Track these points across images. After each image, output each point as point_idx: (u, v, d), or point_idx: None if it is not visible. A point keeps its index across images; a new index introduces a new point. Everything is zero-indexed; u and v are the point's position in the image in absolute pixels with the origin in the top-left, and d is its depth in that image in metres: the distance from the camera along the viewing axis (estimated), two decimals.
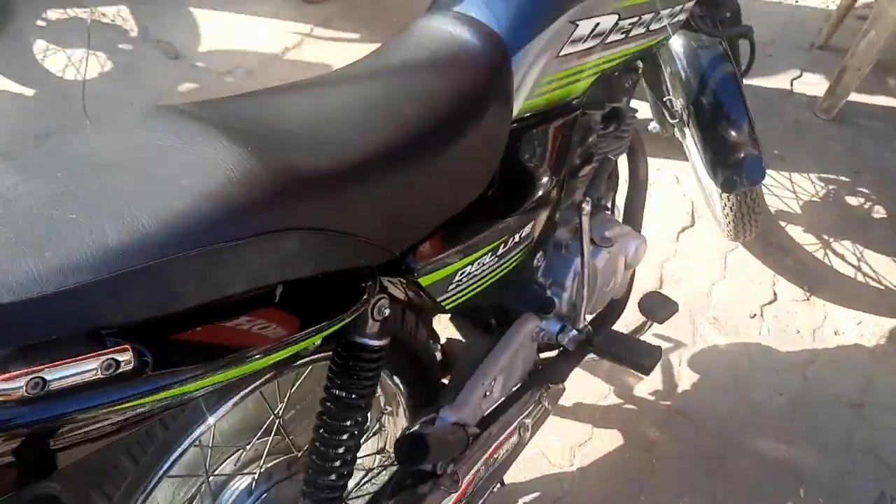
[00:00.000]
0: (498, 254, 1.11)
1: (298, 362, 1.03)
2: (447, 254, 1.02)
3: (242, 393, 0.99)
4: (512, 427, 1.30)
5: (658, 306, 1.51)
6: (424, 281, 1.00)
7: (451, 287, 1.05)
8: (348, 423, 1.01)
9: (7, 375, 0.59)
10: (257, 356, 0.78)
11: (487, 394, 1.24)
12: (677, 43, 1.80)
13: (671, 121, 1.85)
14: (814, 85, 2.83)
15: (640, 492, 1.66)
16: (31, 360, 0.60)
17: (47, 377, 0.61)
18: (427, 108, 0.96)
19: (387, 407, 1.32)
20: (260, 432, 1.14)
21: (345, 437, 1.02)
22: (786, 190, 2.44)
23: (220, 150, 0.75)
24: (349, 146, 0.85)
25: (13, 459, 0.65)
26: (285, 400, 1.13)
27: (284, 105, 0.91)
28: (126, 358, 0.65)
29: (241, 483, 1.11)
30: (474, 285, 1.11)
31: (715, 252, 2.24)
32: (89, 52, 2.59)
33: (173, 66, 2.58)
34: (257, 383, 1.00)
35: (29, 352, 0.61)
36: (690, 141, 1.87)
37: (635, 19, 1.18)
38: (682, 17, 1.29)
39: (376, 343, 0.98)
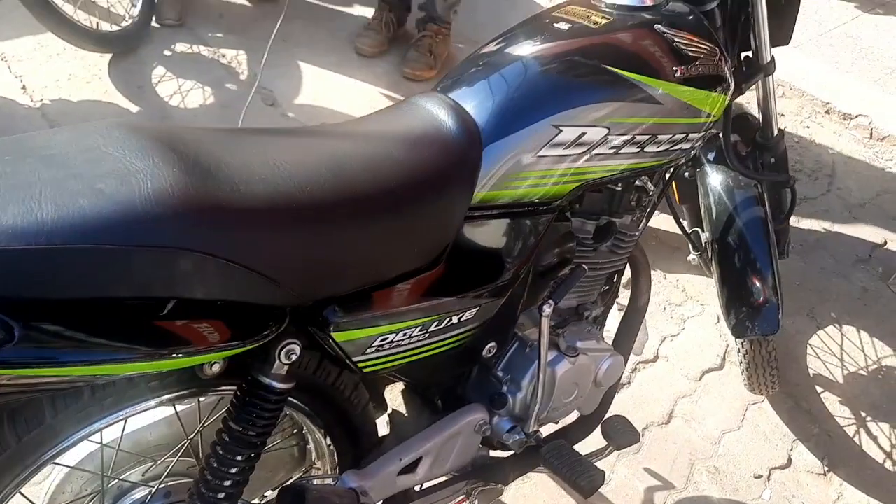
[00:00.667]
0: (429, 330, 1.12)
1: (215, 390, 1.07)
2: (368, 315, 1.04)
3: (152, 404, 1.03)
4: None
5: (619, 432, 1.47)
6: (339, 337, 1.02)
7: (368, 350, 1.07)
8: (238, 457, 1.04)
9: None
10: (135, 358, 0.83)
11: (407, 469, 1.23)
12: (715, 177, 1.79)
13: (693, 253, 1.82)
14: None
15: None
16: None
17: None
18: (378, 175, 1.00)
19: (317, 461, 1.33)
20: (171, 451, 1.18)
21: (233, 470, 1.04)
22: (832, 356, 2.31)
23: (148, 166, 0.82)
24: (280, 191, 0.90)
25: None
26: (201, 424, 1.16)
27: (241, 144, 0.98)
28: None
29: (139, 494, 1.14)
30: (397, 355, 1.12)
31: (737, 401, 2.14)
32: (200, 86, 2.81)
33: (266, 111, 2.77)
34: (168, 397, 1.03)
35: None
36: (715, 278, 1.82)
37: (627, 137, 1.19)
38: (685, 146, 1.28)
39: (279, 385, 1.01)
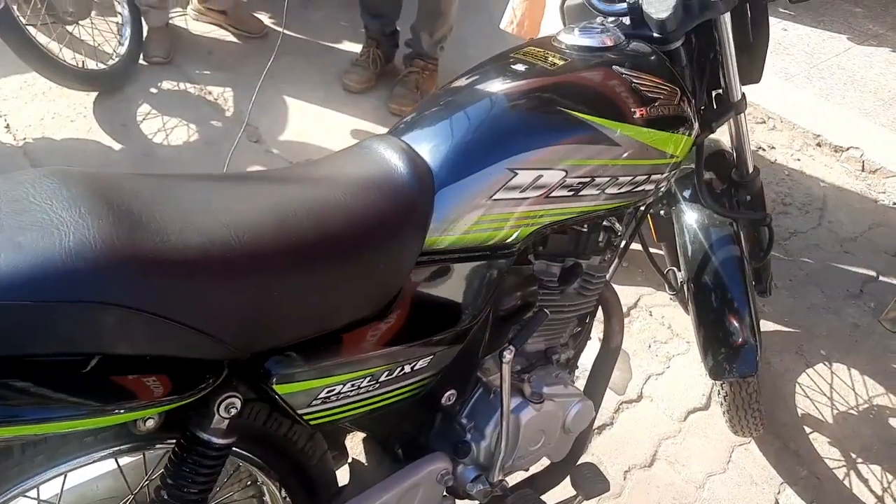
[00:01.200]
0: (379, 380, 1.09)
1: (157, 444, 1.04)
2: (312, 367, 1.01)
3: (91, 459, 1.00)
4: None
5: (588, 481, 1.42)
6: (282, 389, 0.99)
7: (314, 402, 1.04)
8: None
9: None
10: (61, 417, 0.80)
11: None
12: (691, 215, 1.76)
13: (669, 292, 1.78)
14: (889, 293, 2.65)
15: None
16: None
17: None
18: (322, 221, 0.98)
19: None
20: None
21: None
22: (822, 395, 2.26)
23: (72, 217, 0.80)
24: (214, 240, 0.87)
25: None
26: (146, 477, 1.13)
27: (183, 192, 0.96)
28: None
29: None
30: (346, 407, 1.08)
31: (722, 442, 2.09)
32: (185, 123, 2.81)
33: (251, 147, 2.76)
34: (106, 453, 1.00)
35: None
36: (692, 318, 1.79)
37: (586, 179, 1.17)
38: (647, 187, 1.26)
39: (218, 441, 0.98)
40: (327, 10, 3.65)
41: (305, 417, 1.04)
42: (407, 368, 1.12)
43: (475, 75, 1.23)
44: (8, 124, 2.69)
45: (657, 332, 2.39)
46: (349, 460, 1.35)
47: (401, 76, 3.16)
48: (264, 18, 3.45)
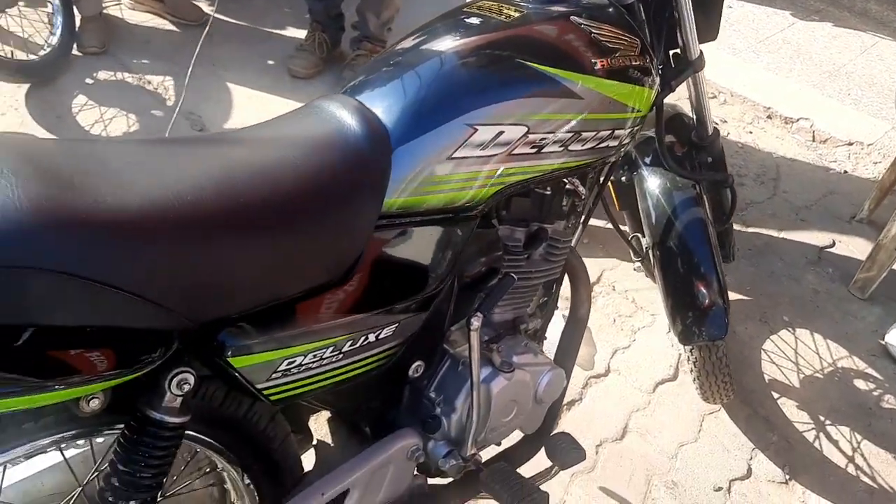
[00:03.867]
0: (342, 350, 1.02)
1: (103, 430, 0.96)
2: (270, 337, 0.94)
3: (33, 448, 0.91)
4: None
5: (563, 450, 1.38)
6: (237, 363, 0.92)
7: (274, 375, 0.97)
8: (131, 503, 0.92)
9: None
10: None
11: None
12: (653, 180, 1.72)
13: (634, 258, 1.75)
14: (845, 258, 2.67)
15: None
16: None
17: None
18: (272, 183, 0.91)
19: (236, 502, 1.22)
20: (64, 501, 1.06)
21: None
22: (788, 360, 2.26)
23: (3, 181, 0.73)
24: (154, 201, 0.80)
25: None
26: (95, 468, 1.05)
27: (119, 155, 0.88)
28: None
29: None
30: (308, 380, 1.02)
31: (692, 412, 2.07)
32: (124, 113, 2.70)
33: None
34: (49, 440, 0.91)
35: None
36: (658, 284, 1.76)
37: (549, 135, 1.12)
38: (611, 143, 1.22)
39: (171, 420, 0.90)
40: None
41: (265, 392, 0.97)
42: (371, 338, 1.05)
43: (428, 31, 1.18)
44: None
45: (621, 306, 2.36)
46: (314, 443, 1.28)
47: (348, 60, 3.08)
48: (203, 6, 3.34)
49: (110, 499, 0.92)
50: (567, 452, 1.38)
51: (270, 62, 3.12)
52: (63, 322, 0.75)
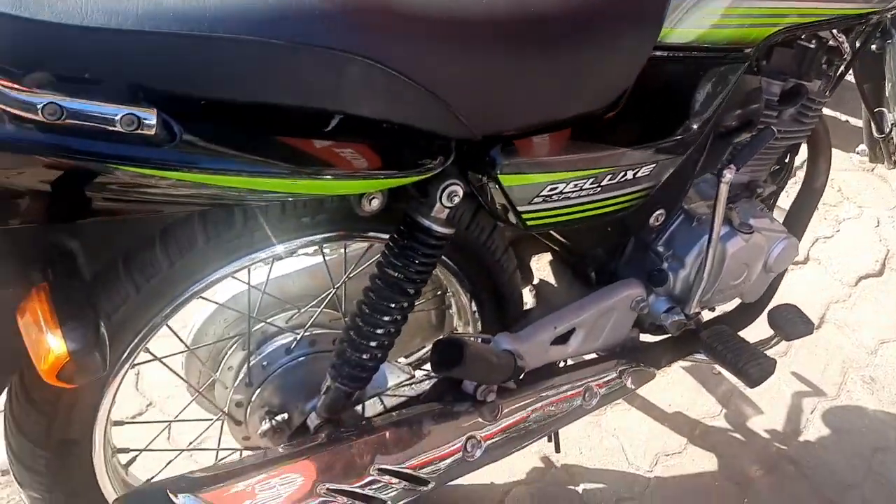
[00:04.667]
0: (601, 184, 1.00)
1: (365, 235, 1.00)
2: (539, 159, 0.93)
3: (301, 243, 0.96)
4: (578, 387, 1.19)
5: (789, 322, 1.33)
6: (506, 180, 0.92)
7: (535, 199, 0.96)
8: (392, 305, 0.97)
9: (25, 88, 0.59)
10: (294, 174, 0.75)
11: (559, 340, 1.14)
12: None
13: (876, 135, 1.61)
14: None
15: None
16: (53, 86, 0.60)
17: (65, 105, 0.60)
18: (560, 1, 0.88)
19: (458, 328, 1.26)
20: (316, 300, 1.13)
21: (385, 318, 0.97)
22: None
23: None
24: (465, 8, 0.79)
25: (39, 190, 0.65)
26: (346, 274, 1.10)
27: None
28: (150, 121, 0.63)
29: (284, 339, 1.10)
30: (565, 210, 1.01)
31: None
32: None
33: None
34: (317, 237, 0.96)
35: (54, 79, 0.61)
36: None
37: None
38: None
39: (439, 230, 0.92)
40: None
41: (524, 216, 0.97)
42: (629, 175, 1.03)
43: None
44: None
45: (826, 194, 2.21)
46: (535, 282, 1.29)
47: None
48: None
49: (373, 298, 0.96)
50: (794, 324, 1.33)
51: None
52: (366, 112, 0.76)
